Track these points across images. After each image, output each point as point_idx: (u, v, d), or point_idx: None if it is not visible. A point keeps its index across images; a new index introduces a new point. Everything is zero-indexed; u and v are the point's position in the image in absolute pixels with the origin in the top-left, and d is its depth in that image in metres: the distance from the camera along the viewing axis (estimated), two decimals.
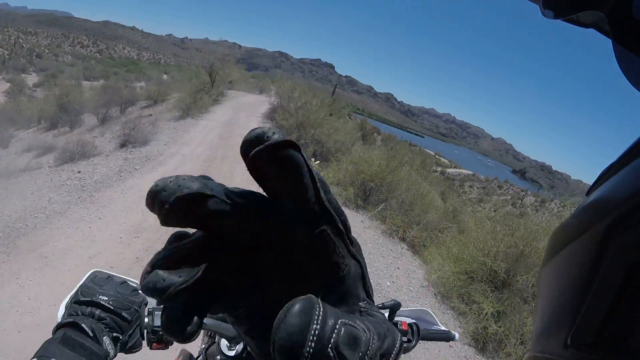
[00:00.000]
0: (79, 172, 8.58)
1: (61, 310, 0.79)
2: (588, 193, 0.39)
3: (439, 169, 47.30)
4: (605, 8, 0.37)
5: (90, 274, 0.86)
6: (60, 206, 6.88)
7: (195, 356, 1.33)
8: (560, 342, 0.33)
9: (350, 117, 28.95)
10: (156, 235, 6.01)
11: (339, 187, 9.33)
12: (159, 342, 0.89)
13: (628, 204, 0.27)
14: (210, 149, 11.16)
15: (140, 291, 0.80)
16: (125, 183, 7.94)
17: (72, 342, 0.69)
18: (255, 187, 0.33)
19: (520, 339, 5.21)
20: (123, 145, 10.61)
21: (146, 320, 0.87)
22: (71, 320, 0.73)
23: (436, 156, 68.04)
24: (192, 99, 15.80)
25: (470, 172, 70.72)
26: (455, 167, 75.87)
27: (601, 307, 0.28)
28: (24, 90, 33.13)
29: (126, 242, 5.77)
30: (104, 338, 0.75)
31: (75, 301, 0.78)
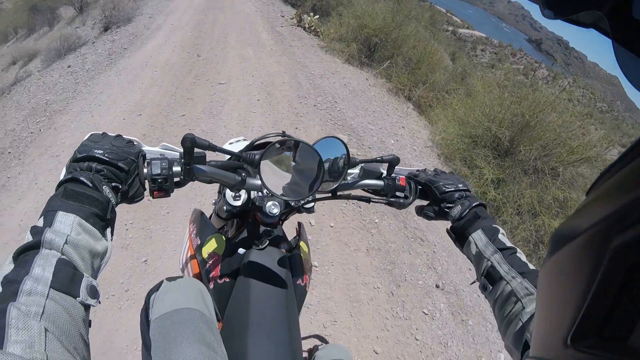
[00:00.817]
0: (69, 66, 8.19)
1: (62, 172, 0.79)
2: (588, 193, 0.38)
3: (450, 28, 44.30)
4: (605, 8, 0.36)
5: (86, 137, 0.88)
6: (59, 105, 6.66)
7: (207, 214, 1.36)
8: (560, 342, 0.32)
9: None
10: (157, 109, 5.87)
11: (341, 43, 8.83)
12: (160, 190, 0.88)
13: (628, 204, 0.27)
14: (198, 13, 10.53)
15: (135, 143, 0.89)
16: (117, 65, 7.59)
17: (73, 193, 0.72)
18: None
19: (518, 209, 5.19)
20: (107, 28, 10.06)
21: (145, 170, 0.87)
22: (70, 176, 0.75)
23: (447, 14, 63.66)
24: None
25: (484, 35, 68.65)
26: (467, 28, 72.93)
27: (601, 306, 0.29)
28: None
29: (130, 121, 5.64)
30: (104, 187, 0.76)
31: (73, 159, 0.80)
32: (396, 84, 7.90)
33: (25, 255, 0.61)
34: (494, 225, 1.02)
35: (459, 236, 1.07)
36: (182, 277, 1.04)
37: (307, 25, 9.92)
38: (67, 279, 0.59)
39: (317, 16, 10.17)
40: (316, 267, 3.51)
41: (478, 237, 1.01)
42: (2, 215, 4.59)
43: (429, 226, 4.36)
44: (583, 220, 0.33)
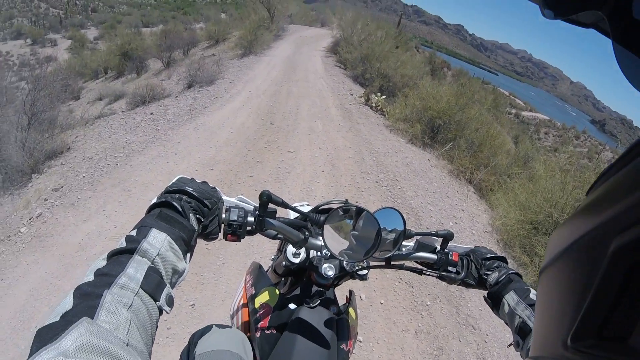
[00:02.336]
0: (151, 113, 9.19)
1: (153, 200, 0.92)
2: (588, 193, 0.40)
3: (513, 111, 44.92)
4: (605, 8, 0.38)
5: (176, 178, 1.04)
6: (138, 146, 7.46)
7: (265, 268, 1.49)
8: (560, 343, 0.34)
9: (417, 50, 27.81)
10: (229, 167, 6.43)
11: (406, 123, 9.23)
12: (233, 234, 1.03)
13: (627, 204, 0.28)
14: (275, 84, 11.38)
15: (217, 190, 1.05)
16: (197, 120, 8.39)
17: (167, 217, 0.85)
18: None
19: None
20: (190, 85, 11.17)
21: (224, 215, 1.02)
22: (164, 199, 0.90)
23: (510, 96, 64.75)
24: (252, 36, 15.97)
25: (547, 118, 68.05)
26: (530, 111, 72.86)
27: (601, 307, 0.29)
28: (86, 45, 35.35)
29: (202, 173, 6.21)
30: (190, 215, 0.90)
31: (165, 191, 0.95)
32: (458, 166, 8.10)
33: (119, 256, 0.73)
34: (526, 287, 1.11)
35: (495, 301, 1.15)
36: (229, 326, 1.19)
37: (374, 105, 10.48)
38: (154, 284, 0.71)
39: (384, 96, 10.75)
40: (360, 341, 3.60)
41: (510, 298, 1.10)
42: (65, 230, 5.22)
43: (483, 314, 4.40)
44: (583, 221, 0.35)
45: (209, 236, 0.99)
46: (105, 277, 0.66)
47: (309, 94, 10.68)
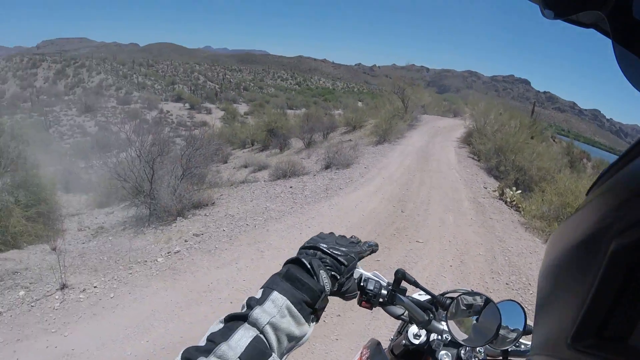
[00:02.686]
0: (290, 187, 10.13)
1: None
2: (588, 193, 0.43)
3: None
4: (605, 8, 0.39)
5: (317, 234, 1.10)
6: (276, 213, 8.24)
7: (383, 346, 1.53)
8: (561, 343, 0.35)
9: (554, 140, 26.46)
10: None
11: (543, 221, 8.78)
12: (367, 302, 1.10)
13: (627, 205, 0.29)
14: (407, 173, 11.71)
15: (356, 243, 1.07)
16: (331, 200, 9.00)
17: (292, 277, 0.86)
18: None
19: None
20: (327, 167, 12.10)
21: (362, 283, 1.10)
22: (295, 257, 0.93)
23: None
24: (387, 125, 16.81)
25: None
26: None
27: (601, 307, 0.30)
28: (236, 117, 39.91)
29: None
30: (321, 272, 0.89)
31: (302, 247, 0.98)
32: None
33: (233, 322, 0.74)
34: None
35: None
36: None
37: (508, 200, 10.05)
38: (255, 354, 0.69)
39: (519, 191, 10.25)
40: None
41: None
42: (198, 271, 6.01)
43: None
44: (582, 221, 0.35)
45: (345, 294, 0.99)
46: (210, 344, 0.69)
47: (441, 185, 10.76)
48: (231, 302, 5.20)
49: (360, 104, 43.34)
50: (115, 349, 4.46)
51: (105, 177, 11.93)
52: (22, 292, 5.80)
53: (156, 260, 6.48)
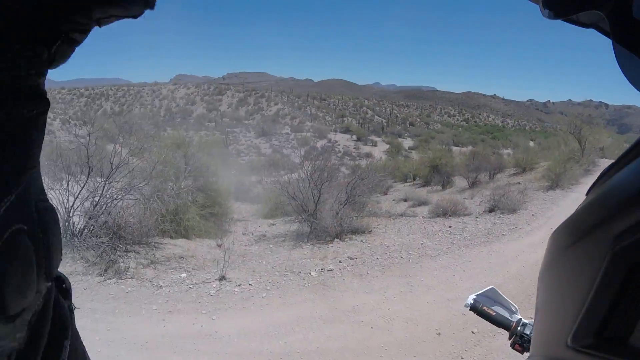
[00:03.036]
0: (449, 226, 9.88)
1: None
2: (588, 193, 0.41)
3: None
4: (605, 8, 0.38)
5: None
6: (432, 251, 8.11)
7: None
8: (560, 343, 0.35)
9: None
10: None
11: None
12: (520, 345, 1.16)
13: (628, 205, 0.29)
14: None
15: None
16: (491, 246, 8.56)
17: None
18: None
19: None
20: (491, 210, 11.51)
21: (519, 327, 1.18)
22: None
23: None
24: (561, 169, 15.33)
25: None
26: None
27: (601, 307, 0.30)
28: (400, 151, 40.34)
29: None
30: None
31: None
32: None
33: None
34: None
35: None
36: None
37: None
38: None
39: None
40: None
41: None
42: (346, 291, 6.33)
43: None
44: (582, 221, 0.35)
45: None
46: None
47: None
48: (372, 327, 5.31)
49: (531, 143, 40.53)
50: (254, 342, 4.95)
51: (273, 193, 13.07)
52: (184, 274, 6.86)
53: (309, 273, 6.90)
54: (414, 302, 5.97)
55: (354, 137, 53.47)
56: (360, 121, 67.82)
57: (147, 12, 0.37)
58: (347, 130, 57.11)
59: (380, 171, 15.42)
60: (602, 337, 0.30)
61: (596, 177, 0.41)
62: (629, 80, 0.38)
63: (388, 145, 45.77)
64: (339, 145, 47.70)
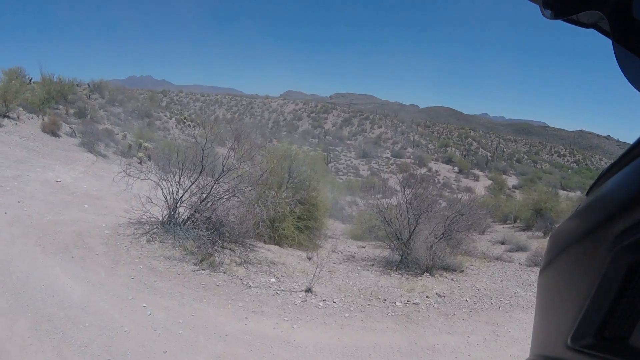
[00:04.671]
0: None
1: None
2: (588, 193, 0.40)
3: None
4: (605, 8, 0.38)
5: None
6: (525, 302, 7.68)
7: None
8: (561, 343, 0.34)
9: None
10: None
11: None
12: None
13: (628, 205, 0.28)
14: None
15: None
16: None
17: None
18: None
19: None
20: None
21: None
22: None
23: None
24: None
25: None
26: None
27: (602, 307, 0.30)
28: (503, 189, 38.32)
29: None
30: None
31: None
32: None
33: None
34: None
35: None
36: None
37: None
38: None
39: None
40: None
41: None
42: (430, 328, 6.01)
43: None
44: (583, 221, 0.35)
45: None
46: None
47: None
48: None
49: None
50: (329, 358, 5.10)
51: (368, 215, 13.14)
52: (273, 279, 7.21)
53: (395, 303, 6.88)
54: (497, 352, 5.73)
55: (456, 168, 51.58)
56: (464, 152, 65.24)
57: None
58: (449, 161, 55.23)
59: (481, 209, 14.89)
60: (603, 337, 0.31)
61: (596, 177, 0.41)
62: (629, 80, 0.39)
63: (491, 181, 43.61)
64: (439, 175, 46.38)
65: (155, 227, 8.40)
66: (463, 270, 9.24)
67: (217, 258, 7.66)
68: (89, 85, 32.54)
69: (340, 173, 40.90)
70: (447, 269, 9.09)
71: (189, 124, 35.22)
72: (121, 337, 4.95)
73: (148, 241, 7.92)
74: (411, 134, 71.25)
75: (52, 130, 17.80)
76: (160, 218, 8.49)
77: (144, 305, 5.78)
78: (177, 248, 7.79)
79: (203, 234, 7.84)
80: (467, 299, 7.46)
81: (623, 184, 0.32)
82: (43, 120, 18.49)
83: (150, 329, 5.24)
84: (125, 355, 4.62)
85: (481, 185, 40.59)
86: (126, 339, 4.94)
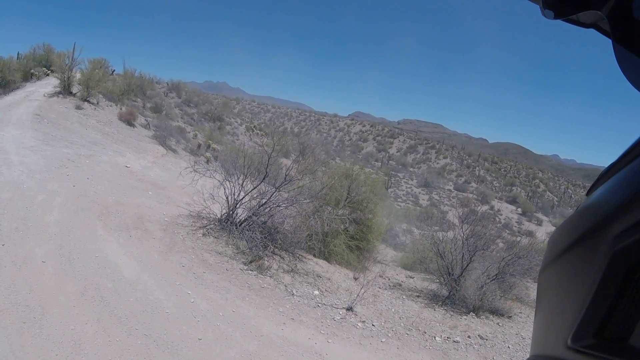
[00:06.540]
0: None
1: None
2: (588, 193, 0.40)
3: None
4: (605, 8, 0.37)
5: None
6: None
7: None
8: (561, 343, 0.34)
9: None
10: None
11: None
12: None
13: (627, 205, 0.28)
14: None
15: None
16: None
17: None
18: None
19: None
20: None
21: None
22: None
23: None
24: None
25: None
26: None
27: (601, 307, 0.29)
28: None
29: None
30: None
31: None
32: None
33: None
34: None
35: None
36: None
37: None
38: None
39: None
40: None
41: None
42: None
43: None
44: (583, 221, 0.35)
45: None
46: None
47: None
48: None
49: None
50: None
51: (421, 246, 12.91)
52: (316, 292, 7.25)
53: (434, 337, 6.72)
54: None
55: (519, 209, 49.58)
56: (529, 194, 62.47)
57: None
58: (513, 201, 53.18)
59: (539, 254, 14.15)
60: (603, 337, 0.31)
61: (596, 178, 0.41)
62: (629, 80, 0.39)
63: (554, 228, 41.34)
64: (500, 214, 44.82)
65: (212, 223, 8.76)
66: (511, 317, 8.84)
67: (266, 262, 7.84)
68: (167, 84, 34.91)
69: (399, 199, 40.54)
70: (495, 312, 8.74)
71: (257, 132, 36.27)
72: (161, 318, 5.20)
73: (204, 235, 8.27)
74: (477, 168, 69.34)
75: (128, 119, 19.00)
76: (218, 215, 8.85)
77: (189, 292, 6.03)
78: (229, 246, 8.07)
79: (257, 236, 8.09)
80: (510, 346, 7.16)
81: (622, 185, 0.33)
82: (121, 109, 19.80)
83: (190, 315, 5.45)
84: (162, 334, 4.84)
85: (543, 231, 38.58)
86: (166, 320, 5.18)
